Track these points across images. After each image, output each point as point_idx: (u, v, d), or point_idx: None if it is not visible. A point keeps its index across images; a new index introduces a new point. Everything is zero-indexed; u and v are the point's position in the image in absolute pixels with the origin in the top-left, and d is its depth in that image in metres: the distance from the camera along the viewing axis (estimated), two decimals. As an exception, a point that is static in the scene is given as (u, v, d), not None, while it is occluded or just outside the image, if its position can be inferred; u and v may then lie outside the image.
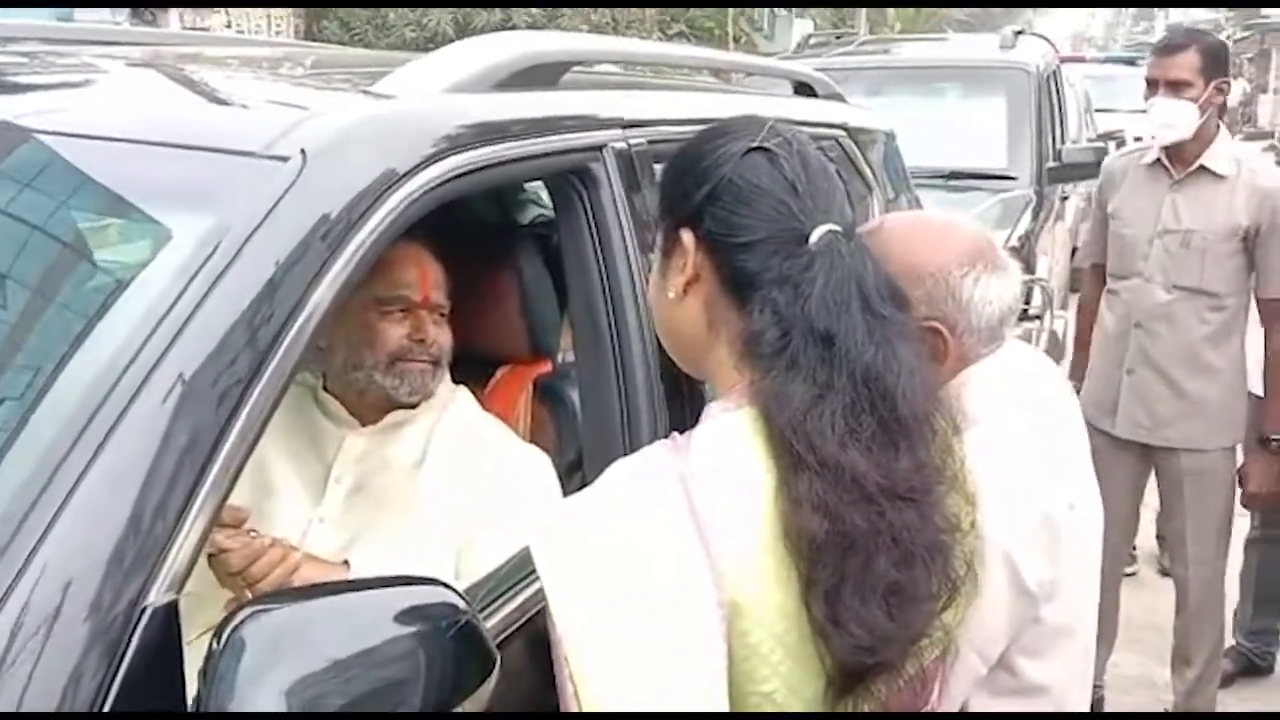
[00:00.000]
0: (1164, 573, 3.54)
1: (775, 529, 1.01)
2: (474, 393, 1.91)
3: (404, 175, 1.31)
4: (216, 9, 14.03)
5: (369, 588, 1.03)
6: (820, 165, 1.14)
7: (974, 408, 1.46)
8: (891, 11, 21.97)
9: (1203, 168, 3.07)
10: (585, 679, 0.97)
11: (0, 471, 1.02)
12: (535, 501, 1.67)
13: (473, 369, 1.95)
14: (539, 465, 1.78)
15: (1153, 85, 3.07)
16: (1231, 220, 3.03)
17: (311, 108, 1.38)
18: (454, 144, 1.41)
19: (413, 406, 1.79)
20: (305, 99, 1.52)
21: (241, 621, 0.93)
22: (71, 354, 1.13)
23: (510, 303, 2.00)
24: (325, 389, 1.83)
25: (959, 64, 6.22)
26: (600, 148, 1.72)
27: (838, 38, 7.58)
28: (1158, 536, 4.17)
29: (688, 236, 1.15)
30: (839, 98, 3.01)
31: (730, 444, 1.06)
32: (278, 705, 0.91)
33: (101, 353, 1.08)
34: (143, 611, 0.93)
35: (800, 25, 20.51)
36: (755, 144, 1.13)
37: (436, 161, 1.37)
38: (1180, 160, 3.09)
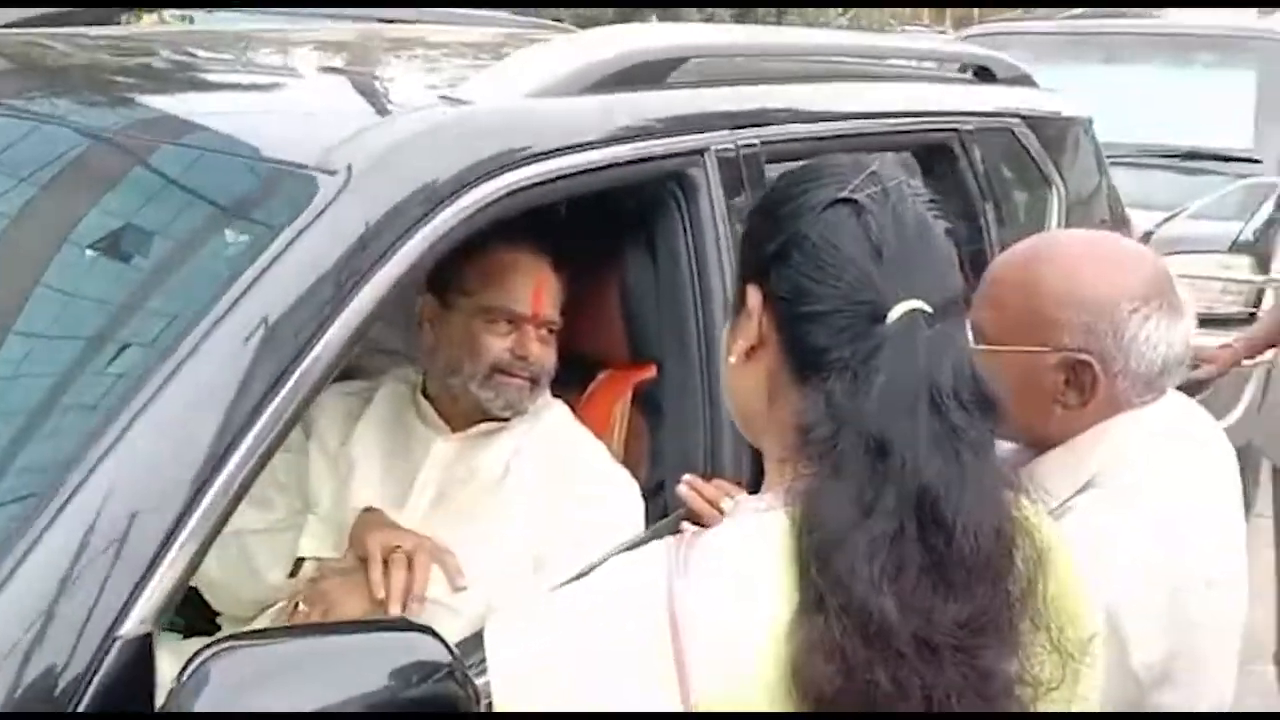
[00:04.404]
0: None
1: (777, 669, 0.90)
2: (572, 396, 1.94)
3: (460, 189, 1.35)
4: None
5: (351, 632, 1.07)
6: (919, 225, 1.00)
7: (1109, 463, 1.41)
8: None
9: None
10: None
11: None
12: (610, 529, 1.69)
13: (572, 371, 1.97)
14: (622, 490, 1.80)
15: None
16: None
17: (385, 112, 1.45)
18: (523, 154, 1.44)
19: (505, 420, 1.83)
20: (379, 104, 1.59)
21: (209, 658, 0.99)
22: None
23: (612, 302, 1.98)
24: (424, 391, 1.89)
25: (1206, 31, 5.85)
26: (702, 151, 1.71)
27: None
28: None
29: (754, 296, 1.04)
30: (1025, 80, 2.88)
31: (746, 555, 0.96)
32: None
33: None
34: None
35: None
36: (842, 194, 1.00)
37: (503, 173, 1.40)
38: None
